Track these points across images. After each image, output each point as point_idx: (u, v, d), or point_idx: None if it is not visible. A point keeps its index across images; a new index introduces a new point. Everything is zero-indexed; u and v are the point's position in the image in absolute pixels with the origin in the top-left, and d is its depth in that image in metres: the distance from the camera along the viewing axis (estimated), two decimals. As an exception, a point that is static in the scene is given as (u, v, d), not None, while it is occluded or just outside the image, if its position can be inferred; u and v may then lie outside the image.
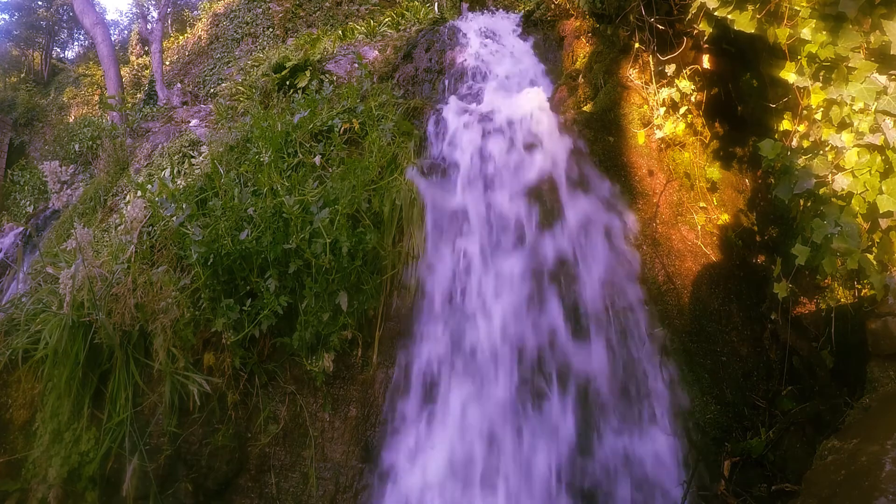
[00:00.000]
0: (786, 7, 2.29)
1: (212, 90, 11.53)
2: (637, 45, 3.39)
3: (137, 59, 19.47)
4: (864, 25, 2.19)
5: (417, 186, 3.15)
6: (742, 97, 3.06)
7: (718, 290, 2.98)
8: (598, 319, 2.82)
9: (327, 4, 12.26)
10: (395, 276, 3.00)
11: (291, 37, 10.71)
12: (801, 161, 2.35)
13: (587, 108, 3.66)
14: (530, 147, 3.28)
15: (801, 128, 2.44)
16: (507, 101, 3.63)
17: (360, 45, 7.40)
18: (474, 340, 2.79)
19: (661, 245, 3.05)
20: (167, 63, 15.56)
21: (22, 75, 22.36)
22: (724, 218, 3.17)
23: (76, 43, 25.66)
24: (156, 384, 2.79)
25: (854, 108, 2.21)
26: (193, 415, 2.76)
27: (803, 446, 2.41)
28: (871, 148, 2.19)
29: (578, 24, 5.10)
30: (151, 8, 17.76)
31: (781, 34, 2.31)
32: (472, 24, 6.41)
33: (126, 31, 24.74)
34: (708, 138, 3.35)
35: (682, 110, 3.25)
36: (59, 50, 25.10)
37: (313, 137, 3.49)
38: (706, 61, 3.18)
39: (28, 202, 11.41)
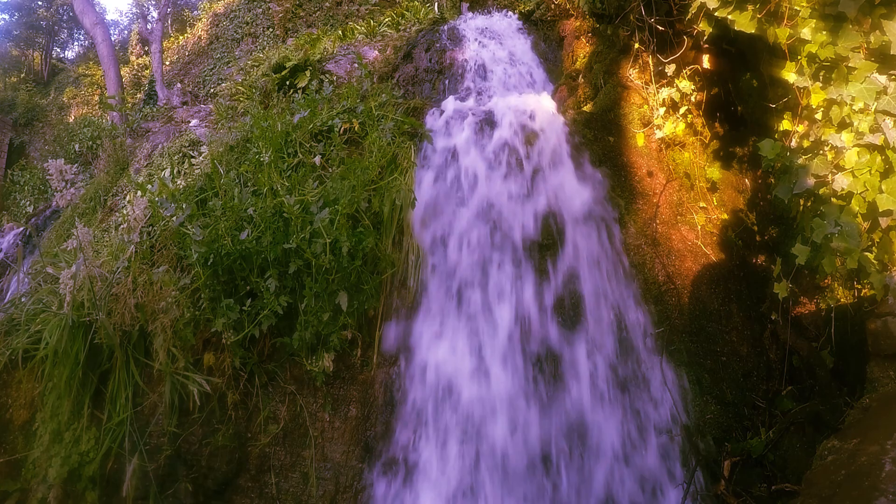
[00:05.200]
0: (786, 7, 2.29)
1: (212, 90, 11.53)
2: (637, 45, 3.39)
3: (137, 59, 19.46)
4: (864, 25, 2.19)
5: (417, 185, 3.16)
6: (742, 97, 3.06)
7: (718, 290, 2.98)
8: (597, 319, 2.82)
9: (327, 4, 12.25)
10: (394, 275, 3.00)
11: (291, 37, 10.71)
12: (801, 161, 2.35)
13: (587, 108, 3.66)
14: (530, 147, 3.28)
15: (801, 128, 2.44)
16: (507, 102, 3.63)
17: (360, 45, 7.40)
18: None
19: (661, 245, 3.05)
20: (167, 63, 15.56)
21: (22, 75, 22.35)
22: (724, 218, 3.17)
23: (76, 43, 25.66)
24: (156, 384, 2.79)
25: (854, 108, 2.22)
26: (193, 415, 2.76)
27: (803, 446, 2.41)
28: (871, 148, 2.19)
29: (578, 24, 5.10)
30: (151, 8, 17.76)
31: (781, 34, 2.32)
32: (471, 24, 6.42)
33: (126, 31, 24.73)
34: (708, 138, 3.35)
35: (682, 110, 3.25)
36: (59, 50, 25.10)
37: (313, 137, 3.49)
38: (706, 61, 3.18)
39: (28, 202, 11.40)
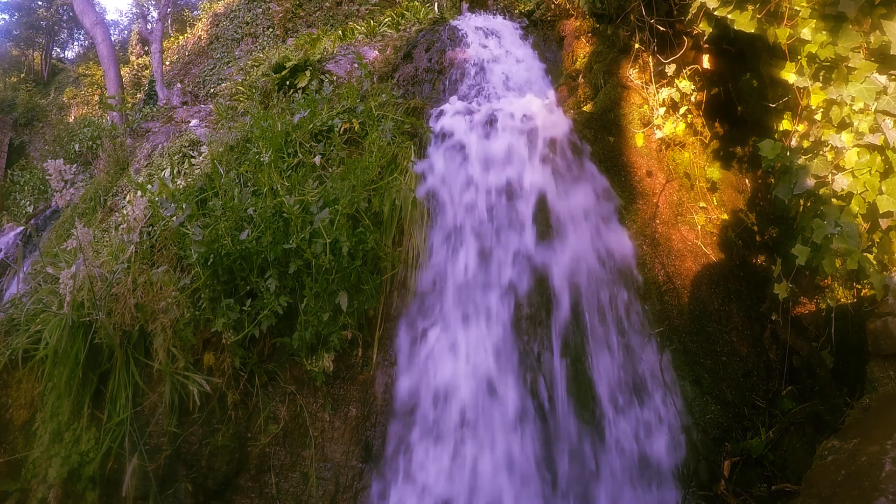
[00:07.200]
0: (786, 7, 2.29)
1: (212, 90, 11.53)
2: (637, 45, 3.39)
3: (137, 59, 19.45)
4: (864, 25, 2.19)
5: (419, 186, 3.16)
6: (742, 97, 3.06)
7: (718, 290, 2.98)
8: (597, 319, 2.82)
9: (327, 4, 12.25)
10: (394, 276, 3.00)
11: (291, 37, 10.71)
12: (801, 161, 2.35)
13: (587, 108, 3.66)
14: (530, 147, 3.28)
15: (801, 128, 2.44)
16: (507, 102, 3.63)
17: (360, 45, 7.40)
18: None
19: (660, 245, 3.05)
20: (167, 63, 15.56)
21: (22, 75, 22.34)
22: (724, 218, 3.17)
23: (76, 43, 25.65)
24: (156, 384, 2.79)
25: (854, 108, 2.22)
26: (193, 415, 2.76)
27: (803, 446, 2.41)
28: (871, 148, 2.19)
29: (578, 24, 5.10)
30: (151, 8, 17.76)
31: (781, 34, 2.31)
32: (471, 24, 6.41)
33: (126, 31, 24.73)
34: (708, 138, 3.35)
35: (682, 110, 3.25)
36: (59, 50, 25.09)
37: (313, 137, 3.49)
38: (706, 61, 3.18)
39: (28, 202, 11.41)
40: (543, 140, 3.26)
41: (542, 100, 3.60)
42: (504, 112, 3.44)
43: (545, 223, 3.02)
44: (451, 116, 3.54)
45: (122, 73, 13.76)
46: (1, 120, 16.34)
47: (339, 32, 8.87)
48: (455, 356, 2.76)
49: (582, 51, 4.80)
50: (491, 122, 3.41)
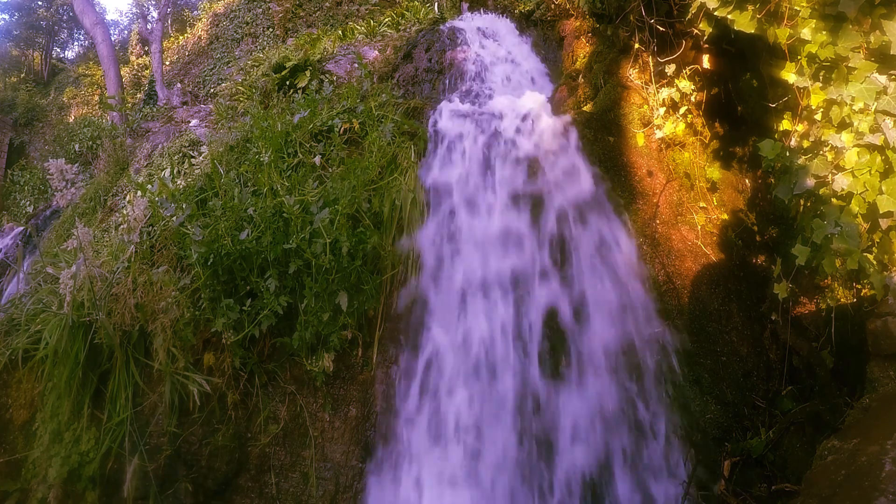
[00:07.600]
0: (786, 7, 2.29)
1: (212, 90, 11.53)
2: (637, 45, 3.39)
3: (137, 59, 19.46)
4: (864, 25, 2.19)
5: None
6: (742, 97, 3.06)
7: (718, 290, 2.98)
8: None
9: (327, 4, 12.26)
10: (395, 276, 3.00)
11: (291, 37, 10.71)
12: (800, 161, 2.35)
13: (587, 108, 3.66)
14: (530, 148, 3.27)
15: (801, 128, 2.44)
16: (507, 102, 3.63)
17: (360, 45, 7.40)
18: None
19: (660, 245, 3.05)
20: (167, 63, 15.56)
21: (22, 75, 22.35)
22: (724, 218, 3.17)
23: (76, 43, 25.66)
24: (156, 384, 2.79)
25: (854, 108, 2.21)
26: (193, 415, 2.76)
27: (803, 446, 2.41)
28: (871, 148, 2.19)
29: (578, 24, 5.10)
30: (151, 8, 17.77)
31: (781, 34, 2.31)
32: (471, 24, 6.42)
33: (126, 31, 24.73)
34: (708, 138, 3.35)
35: (682, 110, 3.25)
36: (59, 50, 25.09)
37: (313, 137, 3.49)
38: (706, 61, 3.18)
39: (28, 202, 11.42)
40: (543, 140, 3.21)
41: (541, 100, 3.59)
42: (503, 112, 3.42)
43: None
44: (449, 116, 3.47)
45: (122, 73, 13.76)
46: (1, 120, 16.35)
47: (339, 32, 8.88)
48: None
49: (582, 51, 4.80)
50: (489, 121, 3.39)
